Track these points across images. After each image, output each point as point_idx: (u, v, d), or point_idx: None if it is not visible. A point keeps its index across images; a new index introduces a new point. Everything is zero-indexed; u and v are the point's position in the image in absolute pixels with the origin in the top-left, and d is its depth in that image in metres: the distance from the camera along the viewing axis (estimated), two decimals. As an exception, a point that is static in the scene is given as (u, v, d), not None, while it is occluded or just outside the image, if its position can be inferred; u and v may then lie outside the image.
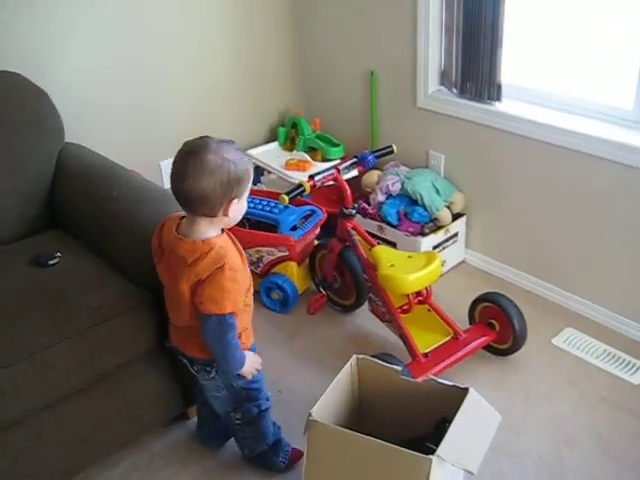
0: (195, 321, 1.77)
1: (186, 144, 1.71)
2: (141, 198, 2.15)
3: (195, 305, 1.73)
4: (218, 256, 1.69)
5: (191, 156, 1.65)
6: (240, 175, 1.68)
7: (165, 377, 2.13)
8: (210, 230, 1.73)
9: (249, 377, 1.91)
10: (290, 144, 3.35)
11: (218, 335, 1.76)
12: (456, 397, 1.76)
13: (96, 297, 1.94)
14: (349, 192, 2.50)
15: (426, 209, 2.88)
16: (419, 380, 1.93)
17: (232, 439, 2.17)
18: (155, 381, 2.11)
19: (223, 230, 1.78)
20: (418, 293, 2.43)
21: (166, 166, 3.11)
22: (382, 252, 2.43)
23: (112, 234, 2.12)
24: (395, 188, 2.96)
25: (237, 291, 1.73)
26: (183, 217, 1.78)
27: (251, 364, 1.89)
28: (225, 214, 1.70)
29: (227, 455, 2.20)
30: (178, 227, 1.76)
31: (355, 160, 2.52)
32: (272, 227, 2.75)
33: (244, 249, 1.84)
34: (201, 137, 1.72)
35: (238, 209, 1.74)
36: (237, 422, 2.02)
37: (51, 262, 2.11)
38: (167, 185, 3.03)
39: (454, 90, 2.89)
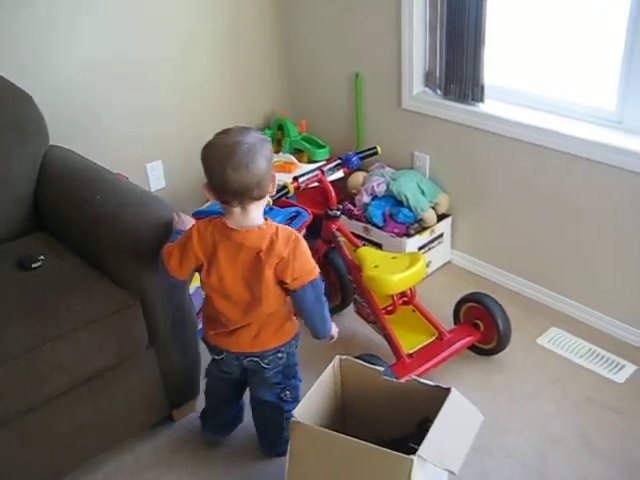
0: (280, 306, 1.87)
1: (218, 141, 1.75)
2: (125, 201, 2.15)
3: (279, 289, 1.82)
4: (288, 231, 1.81)
5: (237, 147, 1.69)
6: (271, 149, 1.78)
7: (150, 380, 2.13)
8: (260, 214, 1.81)
9: (335, 335, 2.04)
10: (276, 146, 3.35)
11: (316, 299, 1.87)
12: (438, 397, 1.76)
13: (79, 300, 1.93)
14: (333, 194, 2.50)
15: (411, 210, 2.89)
16: (402, 381, 1.93)
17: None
18: (140, 384, 2.11)
19: None
20: (402, 294, 2.44)
21: (152, 168, 3.12)
22: (366, 253, 2.43)
23: (96, 237, 2.12)
24: (380, 189, 2.96)
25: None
26: (213, 219, 1.82)
27: None
28: (270, 191, 1.80)
29: (212, 457, 2.20)
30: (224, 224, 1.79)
31: (339, 162, 2.53)
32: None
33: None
34: (223, 130, 1.78)
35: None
36: (287, 402, 2.04)
37: (35, 265, 2.10)
38: (153, 187, 3.09)
39: (438, 91, 2.90)
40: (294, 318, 1.99)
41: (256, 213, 1.79)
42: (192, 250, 1.81)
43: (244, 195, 1.73)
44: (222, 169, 1.69)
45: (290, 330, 1.97)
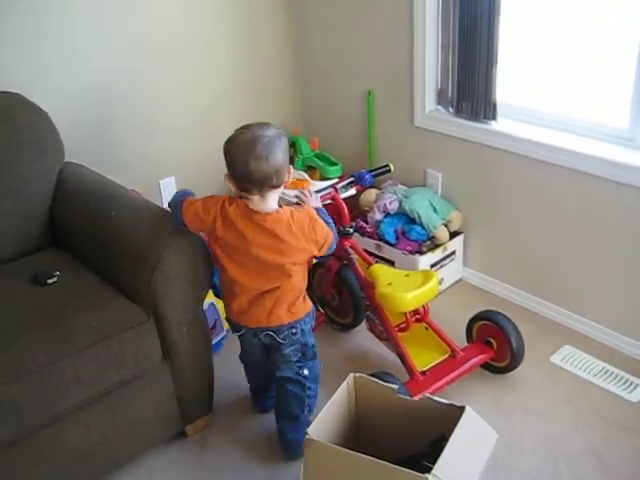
0: (300, 282, 2.07)
1: (240, 135, 1.94)
2: (140, 217, 2.17)
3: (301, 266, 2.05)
4: (302, 212, 2.03)
5: (257, 140, 1.88)
6: (287, 142, 1.98)
7: (164, 395, 2.14)
8: (276, 201, 2.00)
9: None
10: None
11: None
12: (453, 415, 1.76)
13: (95, 316, 1.95)
14: (346, 211, 2.51)
15: (424, 227, 2.90)
16: (416, 398, 1.93)
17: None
18: (154, 399, 2.11)
19: None
20: (415, 311, 2.44)
21: (165, 185, 3.14)
22: (379, 271, 2.44)
23: (111, 253, 2.13)
24: (393, 207, 2.97)
25: None
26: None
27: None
28: (286, 181, 1.98)
29: (225, 474, 2.20)
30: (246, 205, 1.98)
31: (352, 179, 2.54)
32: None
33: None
34: (244, 126, 1.97)
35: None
36: (307, 379, 2.16)
37: (50, 281, 2.12)
38: (165, 204, 3.10)
39: (450, 109, 2.92)
40: (307, 297, 2.14)
41: (273, 200, 1.98)
42: (211, 214, 1.99)
43: (264, 184, 1.91)
44: (245, 160, 1.88)
45: (303, 307, 2.11)
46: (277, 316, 2.05)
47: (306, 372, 2.16)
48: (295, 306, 2.07)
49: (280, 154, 1.91)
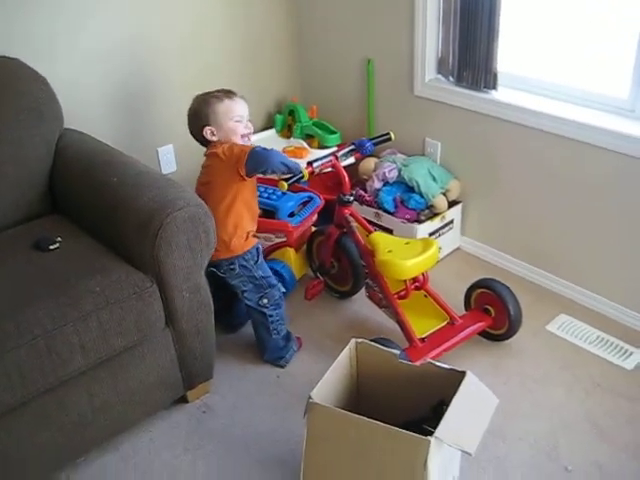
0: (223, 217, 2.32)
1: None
2: (142, 183, 2.16)
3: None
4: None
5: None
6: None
7: (166, 361, 2.15)
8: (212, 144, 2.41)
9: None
10: (287, 131, 3.36)
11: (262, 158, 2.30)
12: (453, 380, 1.79)
13: (98, 282, 1.95)
14: (347, 179, 2.51)
15: (422, 196, 2.90)
16: (417, 363, 1.95)
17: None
18: (156, 364, 2.12)
19: None
20: (415, 279, 2.46)
21: (163, 152, 3.12)
22: (380, 238, 2.45)
23: (113, 219, 2.13)
24: (392, 175, 2.98)
25: None
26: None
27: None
28: (209, 138, 2.41)
29: (227, 439, 2.23)
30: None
31: (353, 147, 2.54)
32: (271, 214, 2.77)
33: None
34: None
35: None
36: (266, 307, 2.42)
37: (52, 247, 2.12)
38: (165, 171, 3.10)
39: (451, 78, 2.91)
40: (250, 237, 2.39)
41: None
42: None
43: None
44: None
45: (238, 247, 2.36)
46: (216, 251, 2.20)
47: (265, 301, 2.41)
48: (231, 244, 2.33)
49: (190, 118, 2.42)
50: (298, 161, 2.93)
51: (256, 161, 2.24)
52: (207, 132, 2.35)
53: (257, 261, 2.41)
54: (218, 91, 2.40)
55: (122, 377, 2.05)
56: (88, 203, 2.27)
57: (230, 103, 2.36)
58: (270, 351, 2.50)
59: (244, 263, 2.37)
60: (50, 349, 1.82)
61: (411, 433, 1.64)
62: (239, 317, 2.67)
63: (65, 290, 1.91)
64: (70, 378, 1.90)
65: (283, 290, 2.49)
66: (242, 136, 2.37)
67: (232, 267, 2.37)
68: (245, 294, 2.41)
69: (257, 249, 2.42)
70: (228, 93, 2.39)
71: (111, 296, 1.93)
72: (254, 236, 2.43)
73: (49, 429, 1.93)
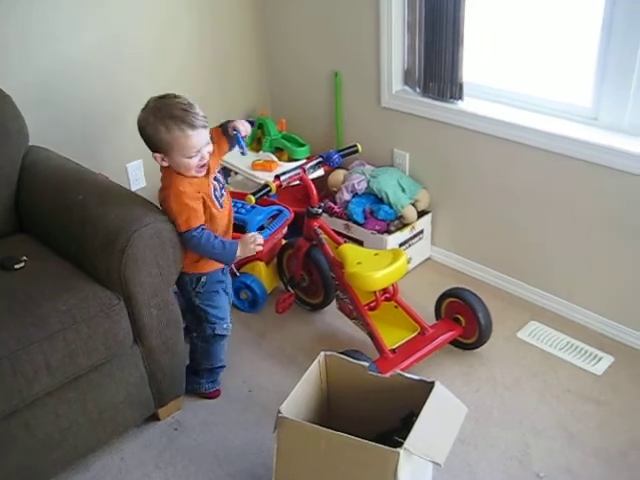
0: None
1: (147, 104, 2.08)
2: (108, 201, 2.14)
3: None
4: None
5: (166, 96, 2.10)
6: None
7: (136, 378, 2.13)
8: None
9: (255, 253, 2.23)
10: (256, 145, 3.36)
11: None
12: (423, 391, 1.79)
13: (64, 300, 1.93)
14: (315, 191, 2.52)
15: (392, 207, 2.92)
16: (387, 375, 1.95)
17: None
18: (126, 382, 2.10)
19: None
20: (385, 290, 2.46)
21: (132, 168, 3.11)
22: (349, 250, 2.45)
23: (79, 237, 2.11)
24: (361, 187, 2.99)
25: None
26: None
27: (246, 246, 2.18)
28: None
29: (199, 455, 2.21)
30: None
31: (320, 159, 2.55)
32: (240, 228, 2.76)
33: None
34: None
35: None
36: (194, 335, 2.34)
37: (17, 266, 2.09)
38: (134, 187, 3.08)
39: (417, 89, 2.93)
40: (195, 261, 2.21)
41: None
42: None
43: None
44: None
45: (187, 264, 2.19)
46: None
47: (196, 334, 2.35)
48: (184, 258, 2.15)
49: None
50: (267, 174, 2.96)
51: (189, 244, 2.10)
52: (157, 158, 2.07)
53: (197, 290, 2.24)
54: (171, 111, 2.00)
55: (90, 396, 2.03)
56: (54, 221, 2.24)
57: (181, 137, 1.98)
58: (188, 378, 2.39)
59: (183, 283, 2.24)
60: (15, 370, 1.79)
61: (380, 445, 1.64)
62: None
63: (30, 309, 1.89)
64: (36, 399, 1.88)
65: (223, 333, 2.32)
66: (197, 169, 2.07)
67: (178, 280, 2.20)
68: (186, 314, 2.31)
69: (201, 280, 2.23)
70: (182, 119, 1.98)
71: (77, 315, 1.91)
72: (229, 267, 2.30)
73: (16, 452, 1.90)
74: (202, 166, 2.09)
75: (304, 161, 2.62)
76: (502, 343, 2.60)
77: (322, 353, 1.97)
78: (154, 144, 2.04)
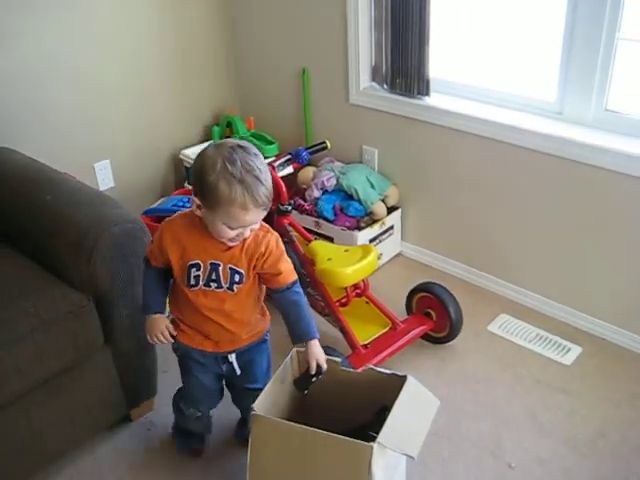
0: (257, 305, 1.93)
1: (226, 141, 1.67)
2: (76, 201, 2.13)
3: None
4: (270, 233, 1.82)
5: (248, 152, 1.63)
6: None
7: (107, 379, 2.12)
8: None
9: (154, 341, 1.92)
10: (225, 143, 3.35)
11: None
12: (395, 385, 1.80)
13: (33, 302, 1.91)
14: (284, 189, 2.51)
15: (361, 203, 2.93)
16: (359, 370, 1.96)
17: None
18: (97, 384, 2.09)
19: None
20: (356, 286, 2.47)
21: (100, 168, 3.08)
22: (319, 247, 2.46)
23: (47, 238, 2.09)
24: (330, 184, 3.00)
25: None
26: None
27: (151, 328, 1.90)
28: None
29: (172, 455, 2.20)
30: None
31: (289, 157, 2.54)
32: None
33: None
34: (222, 140, 1.71)
35: None
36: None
37: (-16, 268, 2.07)
38: (102, 187, 3.05)
39: (385, 86, 2.95)
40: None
41: None
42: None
43: (267, 203, 1.71)
44: (238, 177, 1.62)
45: None
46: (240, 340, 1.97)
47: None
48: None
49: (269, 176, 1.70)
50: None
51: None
52: (195, 201, 1.69)
53: (174, 347, 2.00)
54: (244, 174, 1.59)
55: (61, 399, 2.01)
56: (22, 223, 2.21)
57: (236, 206, 1.61)
58: None
59: None
60: (-16, 374, 1.77)
61: (354, 440, 1.64)
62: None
63: (-2, 312, 1.87)
64: (6, 402, 1.85)
65: (186, 414, 2.09)
66: (228, 240, 1.72)
67: None
68: None
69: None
70: (252, 193, 1.60)
71: (46, 316, 1.89)
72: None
73: (-15, 456, 1.88)
74: (234, 239, 1.73)
75: (273, 159, 2.62)
76: (473, 336, 2.63)
77: (294, 350, 1.97)
78: (202, 188, 1.63)
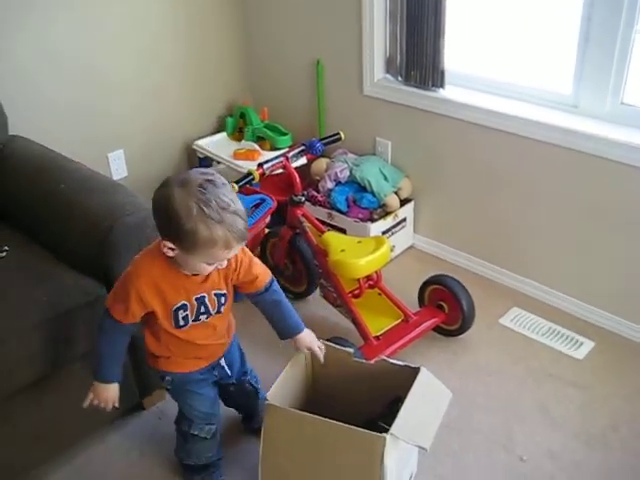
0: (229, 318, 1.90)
1: (190, 178, 1.53)
2: (89, 189, 2.13)
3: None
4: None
5: (217, 185, 1.54)
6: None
7: (119, 368, 2.12)
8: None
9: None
10: (238, 134, 3.35)
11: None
12: (408, 376, 1.81)
13: (45, 291, 1.92)
14: (298, 180, 2.51)
15: (374, 195, 2.92)
16: (372, 362, 1.96)
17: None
18: (109, 373, 2.09)
19: None
20: (368, 277, 2.47)
21: (113, 158, 3.09)
22: (332, 238, 2.46)
23: (61, 226, 2.10)
24: (343, 175, 2.99)
25: None
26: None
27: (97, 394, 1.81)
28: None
29: (184, 444, 2.21)
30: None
31: (303, 148, 2.54)
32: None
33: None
34: (186, 172, 1.59)
35: None
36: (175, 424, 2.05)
37: (-1, 256, 2.08)
38: (115, 177, 3.06)
39: (399, 77, 2.93)
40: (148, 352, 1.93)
41: None
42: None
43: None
44: (211, 212, 1.51)
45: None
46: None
47: (256, 378, 2.16)
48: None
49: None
50: (250, 163, 2.95)
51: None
52: (164, 246, 1.58)
53: (165, 387, 1.96)
54: (223, 213, 1.51)
55: (74, 387, 1.99)
56: (35, 211, 2.22)
57: (221, 247, 1.54)
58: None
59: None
60: (-3, 361, 1.78)
61: (367, 431, 1.65)
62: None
63: (10, 301, 1.88)
64: (18, 390, 1.86)
65: (202, 435, 1.98)
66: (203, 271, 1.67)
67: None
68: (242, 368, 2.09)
69: (166, 378, 1.91)
70: (233, 229, 1.53)
71: (60, 305, 1.90)
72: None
73: (-2, 445, 1.89)
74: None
75: (287, 150, 2.62)
76: (485, 329, 2.62)
77: (307, 341, 1.97)
78: (178, 234, 1.52)
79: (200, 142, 3.31)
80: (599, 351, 2.51)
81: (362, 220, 2.92)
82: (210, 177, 1.54)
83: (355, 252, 2.36)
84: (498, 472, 2.07)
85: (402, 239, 3.11)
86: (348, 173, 2.99)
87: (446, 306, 2.53)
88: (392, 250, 2.97)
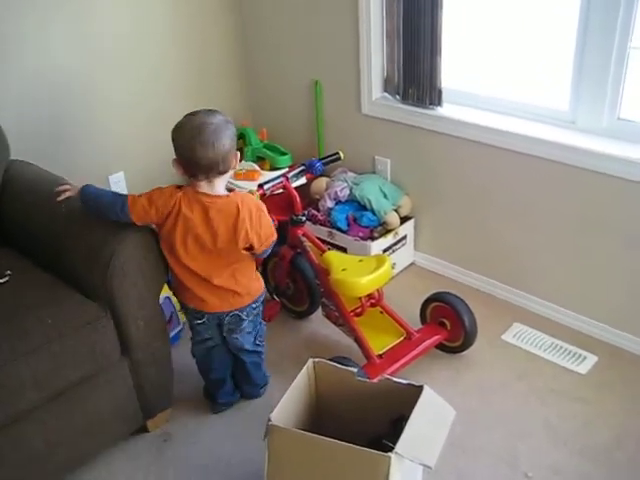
0: (249, 260, 2.15)
1: (187, 121, 1.96)
2: (91, 212, 2.14)
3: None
4: (254, 202, 2.08)
5: (204, 126, 1.91)
6: (234, 129, 2.01)
7: (124, 391, 2.13)
8: (224, 186, 2.06)
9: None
10: (238, 155, 3.36)
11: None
12: (411, 395, 1.80)
13: (49, 313, 1.92)
14: (298, 199, 2.53)
15: (375, 213, 2.93)
16: (375, 380, 1.96)
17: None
18: (113, 395, 2.10)
19: None
20: (370, 296, 2.47)
21: (114, 180, 3.10)
22: (333, 257, 2.46)
23: (63, 250, 2.11)
24: (343, 194, 3.00)
25: None
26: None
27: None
28: (234, 167, 2.04)
29: (188, 466, 2.20)
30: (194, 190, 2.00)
31: (303, 168, 2.56)
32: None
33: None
34: (191, 112, 2.00)
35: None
36: (259, 345, 2.33)
37: (1, 280, 2.08)
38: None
39: (397, 96, 2.95)
40: (258, 273, 2.25)
41: (221, 185, 2.03)
42: (159, 207, 1.99)
43: (211, 169, 1.96)
44: (192, 146, 1.91)
45: (258, 286, 2.23)
46: (240, 299, 2.14)
47: (259, 340, 2.33)
48: (252, 287, 2.18)
49: (227, 141, 1.94)
50: (250, 184, 2.96)
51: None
52: (237, 160, 2.07)
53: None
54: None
55: (78, 410, 2.02)
56: (37, 235, 2.23)
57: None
58: (261, 385, 2.45)
59: (261, 299, 2.26)
60: (0, 384, 1.77)
61: (372, 450, 1.64)
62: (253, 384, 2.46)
63: (15, 323, 1.88)
64: (22, 413, 1.86)
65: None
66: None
67: (255, 307, 2.22)
68: (247, 338, 2.27)
69: (263, 284, 2.30)
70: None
71: (63, 328, 1.90)
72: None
73: (2, 467, 1.88)
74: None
75: (286, 170, 2.63)
76: (487, 346, 2.62)
77: (310, 360, 1.97)
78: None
79: (200, 163, 3.32)
80: (602, 365, 2.51)
81: (363, 238, 2.93)
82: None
83: (356, 271, 2.37)
84: (503, 489, 2.07)
85: (403, 257, 3.11)
86: (348, 192, 3.01)
87: (448, 323, 2.54)
88: (393, 268, 2.98)
